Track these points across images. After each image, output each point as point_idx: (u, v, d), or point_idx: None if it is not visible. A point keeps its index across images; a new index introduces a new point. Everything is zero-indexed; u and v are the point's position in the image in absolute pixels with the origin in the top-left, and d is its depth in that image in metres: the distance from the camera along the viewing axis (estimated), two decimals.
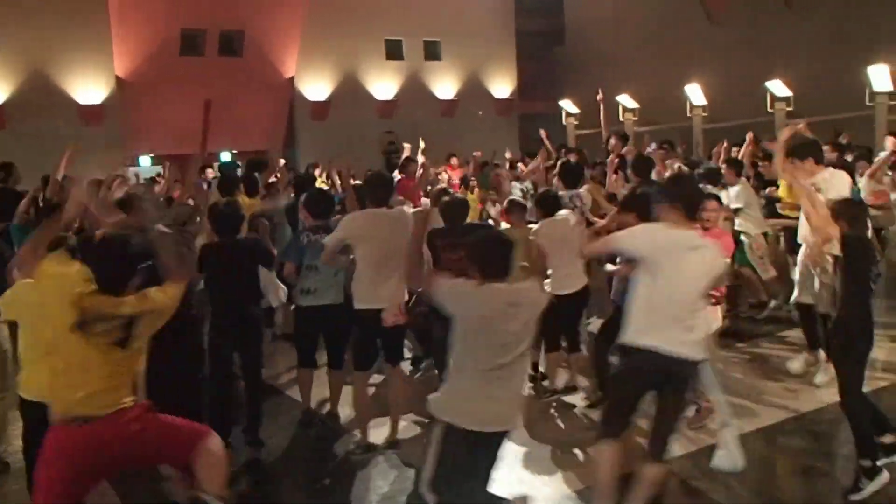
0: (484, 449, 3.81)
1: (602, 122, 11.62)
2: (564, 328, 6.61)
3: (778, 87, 15.16)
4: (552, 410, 6.40)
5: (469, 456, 3.77)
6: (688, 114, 17.20)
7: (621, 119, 18.80)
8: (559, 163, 9.38)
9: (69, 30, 17.98)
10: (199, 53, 19.59)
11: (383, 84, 23.04)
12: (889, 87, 13.31)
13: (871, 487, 4.57)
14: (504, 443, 3.87)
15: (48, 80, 18.17)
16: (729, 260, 5.99)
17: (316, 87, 22.02)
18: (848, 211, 4.73)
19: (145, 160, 21.42)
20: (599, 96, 11.66)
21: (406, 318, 5.56)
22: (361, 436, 5.67)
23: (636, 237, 4.32)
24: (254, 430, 5.81)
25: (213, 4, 18.71)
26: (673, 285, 4.11)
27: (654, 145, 10.92)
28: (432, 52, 23.87)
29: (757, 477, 4.99)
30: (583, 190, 8.08)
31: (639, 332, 4.16)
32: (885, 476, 4.60)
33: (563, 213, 6.67)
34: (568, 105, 19.78)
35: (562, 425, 6.11)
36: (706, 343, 4.41)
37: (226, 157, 22.59)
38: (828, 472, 5.11)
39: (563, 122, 19.92)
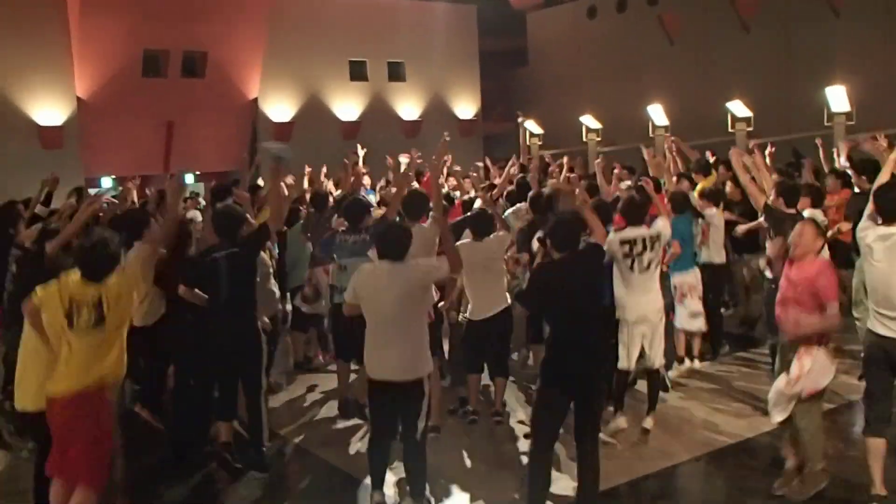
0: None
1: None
2: (487, 352, 6.77)
3: (738, 107, 15.49)
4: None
5: None
6: (650, 134, 17.46)
7: (584, 139, 19.03)
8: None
9: (29, 51, 17.66)
10: (162, 74, 19.36)
11: (347, 105, 23.02)
12: (846, 108, 13.66)
13: None
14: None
15: (7, 102, 17.83)
16: None
17: (279, 108, 21.92)
18: None
19: (107, 182, 21.09)
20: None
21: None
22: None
23: None
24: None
25: (175, 25, 18.52)
26: None
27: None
28: (396, 73, 23.92)
29: None
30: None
31: None
32: None
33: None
34: (531, 125, 19.96)
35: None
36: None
37: (189, 178, 22.37)
38: None
39: (527, 142, 20.11)
